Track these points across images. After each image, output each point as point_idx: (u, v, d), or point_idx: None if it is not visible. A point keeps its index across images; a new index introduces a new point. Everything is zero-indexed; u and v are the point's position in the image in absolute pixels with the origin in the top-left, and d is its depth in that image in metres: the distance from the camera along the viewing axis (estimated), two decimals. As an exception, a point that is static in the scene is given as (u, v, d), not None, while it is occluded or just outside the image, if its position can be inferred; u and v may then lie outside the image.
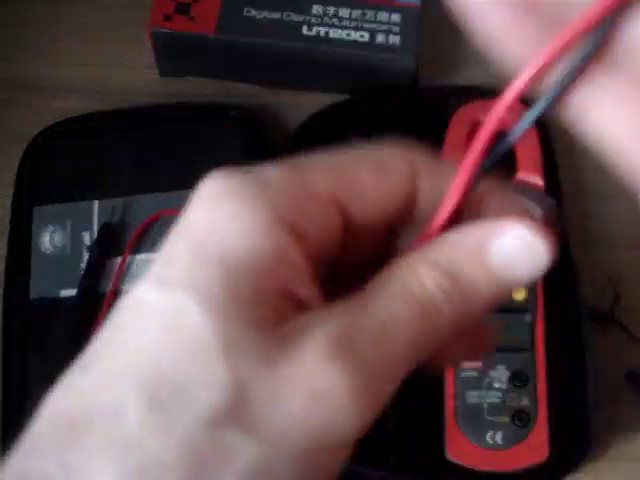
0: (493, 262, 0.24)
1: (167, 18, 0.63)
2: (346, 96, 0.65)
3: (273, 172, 0.24)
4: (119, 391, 0.22)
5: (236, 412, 0.21)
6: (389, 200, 0.25)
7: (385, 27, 0.63)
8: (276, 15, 0.63)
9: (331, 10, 0.64)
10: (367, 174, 0.24)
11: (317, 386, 0.22)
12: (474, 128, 0.60)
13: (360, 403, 0.23)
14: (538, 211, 0.27)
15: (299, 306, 0.23)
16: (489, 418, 0.52)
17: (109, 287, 0.58)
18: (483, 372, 0.52)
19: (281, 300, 0.23)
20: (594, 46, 0.23)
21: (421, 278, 0.23)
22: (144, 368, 0.22)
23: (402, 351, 0.23)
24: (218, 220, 0.23)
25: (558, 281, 0.56)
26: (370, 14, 0.63)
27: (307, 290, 0.23)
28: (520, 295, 0.53)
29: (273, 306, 0.22)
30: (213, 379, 0.21)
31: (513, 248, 0.25)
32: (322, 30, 0.63)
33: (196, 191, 0.25)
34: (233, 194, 0.24)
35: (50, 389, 0.24)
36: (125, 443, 0.22)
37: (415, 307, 0.23)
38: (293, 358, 0.22)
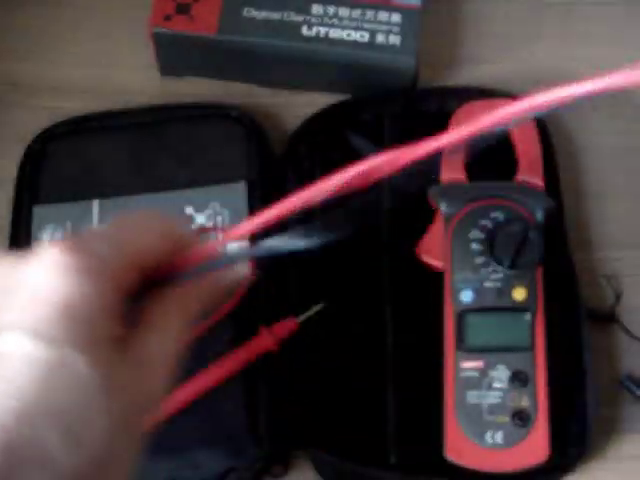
0: None
1: (167, 18, 0.63)
2: (346, 96, 0.65)
3: (102, 248, 0.32)
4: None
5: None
6: (161, 254, 0.34)
7: (385, 27, 0.63)
8: (276, 15, 0.63)
9: (331, 10, 0.64)
10: (149, 239, 0.34)
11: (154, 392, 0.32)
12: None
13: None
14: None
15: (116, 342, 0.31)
16: (489, 418, 0.52)
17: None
18: (483, 372, 0.52)
19: (113, 338, 0.31)
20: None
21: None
22: None
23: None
24: (71, 287, 0.30)
25: (558, 281, 0.56)
26: (370, 14, 0.63)
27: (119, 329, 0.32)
28: (520, 295, 0.53)
29: (113, 345, 0.31)
30: (99, 403, 0.29)
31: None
32: (322, 30, 0.63)
33: (37, 256, 0.31)
34: (81, 269, 0.31)
35: None
36: None
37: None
38: (135, 382, 0.31)
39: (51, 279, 0.30)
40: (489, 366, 0.52)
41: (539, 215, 0.56)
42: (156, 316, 0.33)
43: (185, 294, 0.35)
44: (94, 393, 0.29)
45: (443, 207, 0.57)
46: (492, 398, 0.52)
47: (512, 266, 0.54)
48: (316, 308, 0.56)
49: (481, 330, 0.53)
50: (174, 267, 0.35)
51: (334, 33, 0.63)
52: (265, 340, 0.55)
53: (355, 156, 0.62)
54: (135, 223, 0.35)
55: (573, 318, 0.56)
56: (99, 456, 0.29)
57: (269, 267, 0.57)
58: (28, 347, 0.28)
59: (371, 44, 0.62)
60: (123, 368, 0.30)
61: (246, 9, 0.64)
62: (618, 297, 0.58)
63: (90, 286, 0.30)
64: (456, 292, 0.54)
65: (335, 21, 0.63)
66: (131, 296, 0.33)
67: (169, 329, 0.33)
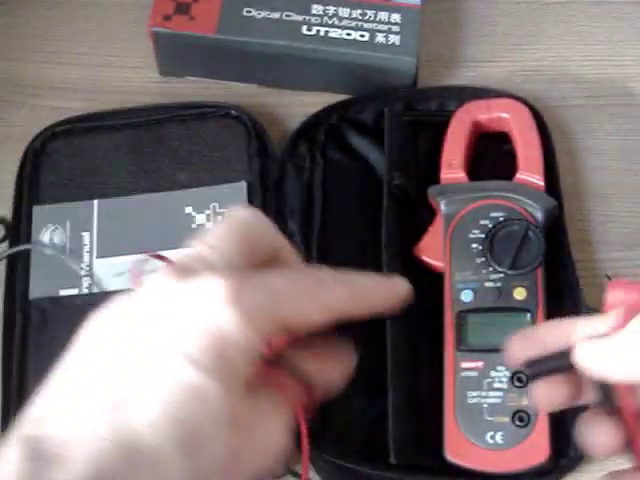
0: None
1: (167, 18, 0.63)
2: (346, 96, 0.65)
3: (262, 300, 0.34)
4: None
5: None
6: (320, 323, 0.36)
7: (385, 27, 0.63)
8: (276, 15, 0.63)
9: (331, 10, 0.64)
10: (309, 309, 0.36)
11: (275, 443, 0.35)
12: (474, 128, 0.60)
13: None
14: None
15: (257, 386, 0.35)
16: (489, 418, 0.52)
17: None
18: (483, 372, 0.52)
19: (252, 382, 0.34)
20: None
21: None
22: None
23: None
24: (227, 322, 0.33)
25: (558, 281, 0.56)
26: (370, 14, 0.63)
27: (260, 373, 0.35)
28: (520, 295, 0.53)
29: (250, 388, 0.34)
30: (221, 435, 0.33)
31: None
32: (322, 30, 0.63)
33: (206, 285, 0.34)
34: (239, 307, 0.33)
35: None
36: None
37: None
38: (262, 429, 0.34)
39: (211, 309, 0.33)
40: (489, 366, 0.52)
41: (539, 215, 0.56)
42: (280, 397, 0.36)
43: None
44: (219, 424, 0.32)
45: (443, 207, 0.57)
46: (492, 398, 0.52)
47: (512, 266, 0.54)
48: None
49: (481, 330, 0.53)
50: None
51: (334, 33, 0.63)
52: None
53: (355, 156, 0.63)
54: (302, 286, 0.36)
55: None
56: (204, 477, 0.32)
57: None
58: (177, 367, 0.32)
59: (371, 44, 0.62)
60: (249, 414, 0.34)
61: (246, 9, 0.64)
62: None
63: (242, 329, 0.33)
64: (456, 292, 0.54)
65: (335, 21, 0.63)
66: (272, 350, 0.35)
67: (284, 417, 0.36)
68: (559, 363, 0.38)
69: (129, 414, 0.32)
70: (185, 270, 0.35)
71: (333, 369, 0.39)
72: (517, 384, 0.52)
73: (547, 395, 0.39)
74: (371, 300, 0.38)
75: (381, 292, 0.39)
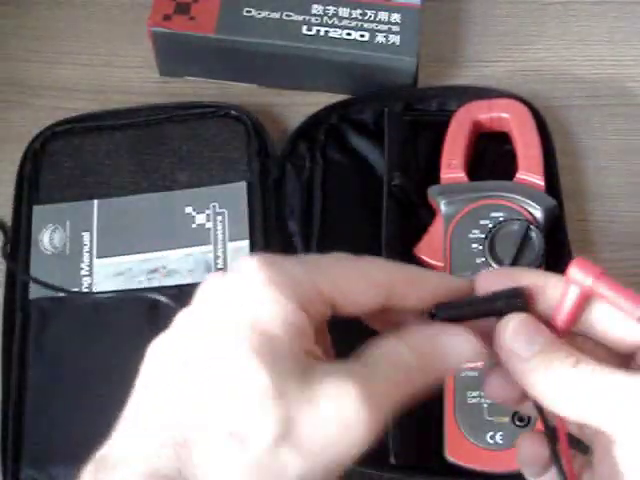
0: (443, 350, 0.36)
1: (167, 18, 0.63)
2: (346, 96, 0.65)
3: (297, 270, 0.34)
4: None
5: (288, 437, 0.31)
6: (365, 301, 0.36)
7: (385, 27, 0.63)
8: (276, 15, 0.63)
9: (331, 10, 0.64)
10: (354, 283, 0.36)
11: (347, 418, 0.32)
12: (474, 128, 0.60)
13: (372, 432, 0.33)
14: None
15: (314, 358, 0.34)
16: (489, 418, 0.52)
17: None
18: (483, 372, 0.52)
19: (305, 356, 0.33)
20: None
21: (401, 354, 0.35)
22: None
23: (393, 398, 0.34)
24: (263, 301, 0.33)
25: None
26: (370, 14, 0.63)
27: (315, 347, 0.34)
28: (520, 295, 0.53)
29: (302, 360, 0.33)
30: (270, 417, 0.31)
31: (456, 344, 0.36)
32: (322, 30, 0.63)
33: (240, 268, 0.34)
34: (273, 282, 0.34)
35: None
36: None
37: (399, 372, 0.35)
38: (326, 397, 0.32)
39: (247, 292, 0.34)
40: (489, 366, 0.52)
41: (539, 215, 0.56)
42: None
43: (397, 360, 0.35)
44: (263, 400, 0.32)
45: (443, 207, 0.57)
46: (492, 398, 0.52)
47: (512, 266, 0.54)
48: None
49: (481, 330, 0.53)
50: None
51: (334, 33, 0.63)
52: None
53: (355, 156, 0.63)
54: (344, 262, 0.36)
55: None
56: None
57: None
58: (217, 355, 0.32)
59: (371, 44, 0.62)
60: (306, 386, 0.33)
61: (246, 9, 0.64)
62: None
63: (281, 306, 0.33)
64: (456, 292, 0.54)
65: (335, 21, 0.63)
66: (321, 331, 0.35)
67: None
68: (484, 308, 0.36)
69: (177, 411, 0.32)
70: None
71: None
72: (517, 384, 0.52)
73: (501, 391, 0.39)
74: (428, 287, 0.37)
75: (437, 281, 0.37)
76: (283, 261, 0.35)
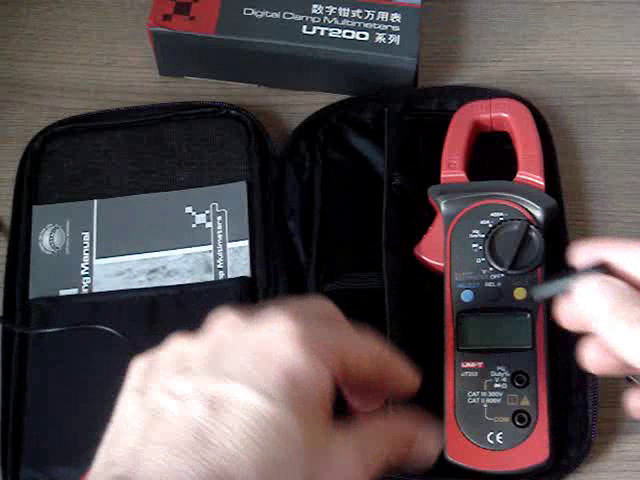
0: None
1: (167, 18, 0.63)
2: (346, 96, 0.65)
3: (328, 337, 0.38)
4: None
5: None
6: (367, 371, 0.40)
7: (385, 27, 0.63)
8: (276, 15, 0.63)
9: (331, 9, 0.64)
10: (362, 355, 0.40)
11: (350, 470, 0.37)
12: (474, 128, 0.60)
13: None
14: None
15: (328, 420, 0.37)
16: (489, 418, 0.52)
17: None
18: (483, 372, 0.52)
19: (328, 419, 0.37)
20: None
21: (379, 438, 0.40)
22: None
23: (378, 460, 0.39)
24: (299, 360, 0.36)
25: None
26: (370, 13, 0.63)
27: (330, 409, 0.37)
28: (520, 295, 0.53)
29: (324, 417, 0.36)
30: (298, 463, 0.34)
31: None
32: (322, 30, 0.63)
33: (274, 324, 0.37)
34: (308, 343, 0.36)
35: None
36: None
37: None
38: (338, 455, 0.36)
39: (281, 345, 0.36)
40: (489, 366, 0.52)
41: (539, 215, 0.56)
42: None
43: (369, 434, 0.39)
44: (296, 452, 0.34)
45: (443, 207, 0.57)
46: (492, 399, 0.52)
47: (512, 266, 0.54)
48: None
49: (481, 330, 0.53)
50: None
51: (334, 33, 0.63)
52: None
53: (355, 156, 0.63)
54: (354, 333, 0.41)
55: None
56: None
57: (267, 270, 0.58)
58: (252, 400, 0.34)
59: (371, 44, 0.62)
60: (326, 441, 0.36)
61: (246, 9, 0.64)
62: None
63: (313, 363, 0.36)
64: (456, 292, 0.54)
65: (335, 21, 0.63)
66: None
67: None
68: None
69: (212, 448, 0.33)
70: (250, 313, 0.38)
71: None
72: (517, 384, 0.52)
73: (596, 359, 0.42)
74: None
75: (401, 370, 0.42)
76: (311, 321, 0.38)
